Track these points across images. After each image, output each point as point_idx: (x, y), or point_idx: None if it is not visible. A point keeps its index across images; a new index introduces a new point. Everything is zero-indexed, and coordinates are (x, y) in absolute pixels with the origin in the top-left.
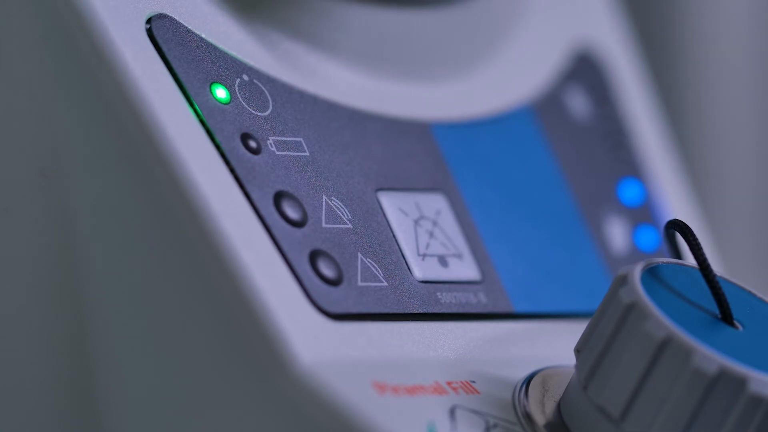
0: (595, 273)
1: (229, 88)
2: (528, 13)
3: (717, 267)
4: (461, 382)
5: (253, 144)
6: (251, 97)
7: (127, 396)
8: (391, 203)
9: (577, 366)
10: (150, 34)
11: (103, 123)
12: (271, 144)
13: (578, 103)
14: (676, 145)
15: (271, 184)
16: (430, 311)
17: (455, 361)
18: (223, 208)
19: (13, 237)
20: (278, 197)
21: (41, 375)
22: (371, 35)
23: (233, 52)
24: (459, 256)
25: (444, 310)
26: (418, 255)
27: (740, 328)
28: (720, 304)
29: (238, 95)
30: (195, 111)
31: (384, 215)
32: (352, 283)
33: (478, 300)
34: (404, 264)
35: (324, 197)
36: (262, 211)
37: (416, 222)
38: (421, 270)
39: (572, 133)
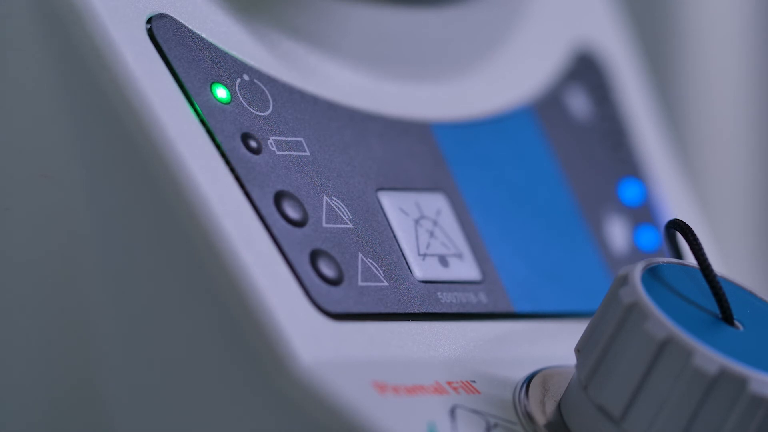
0: (595, 273)
1: (229, 87)
2: (528, 13)
3: (717, 267)
4: (462, 381)
5: (253, 144)
6: (252, 96)
7: (127, 395)
8: (391, 203)
9: (578, 366)
10: (150, 34)
11: (103, 123)
12: (271, 144)
13: (578, 103)
14: (676, 145)
15: (272, 183)
16: (430, 311)
17: (455, 361)
18: (223, 207)
19: (13, 237)
20: (279, 197)
21: (41, 375)
22: (371, 35)
23: (233, 52)
24: (459, 255)
25: (444, 310)
26: (419, 255)
27: (741, 328)
28: (720, 304)
29: (239, 95)
30: (195, 111)
31: (384, 215)
32: (353, 283)
33: (479, 300)
34: (405, 264)
35: (324, 197)
36: (263, 211)
37: (417, 222)
38: (421, 270)
39: (572, 133)
